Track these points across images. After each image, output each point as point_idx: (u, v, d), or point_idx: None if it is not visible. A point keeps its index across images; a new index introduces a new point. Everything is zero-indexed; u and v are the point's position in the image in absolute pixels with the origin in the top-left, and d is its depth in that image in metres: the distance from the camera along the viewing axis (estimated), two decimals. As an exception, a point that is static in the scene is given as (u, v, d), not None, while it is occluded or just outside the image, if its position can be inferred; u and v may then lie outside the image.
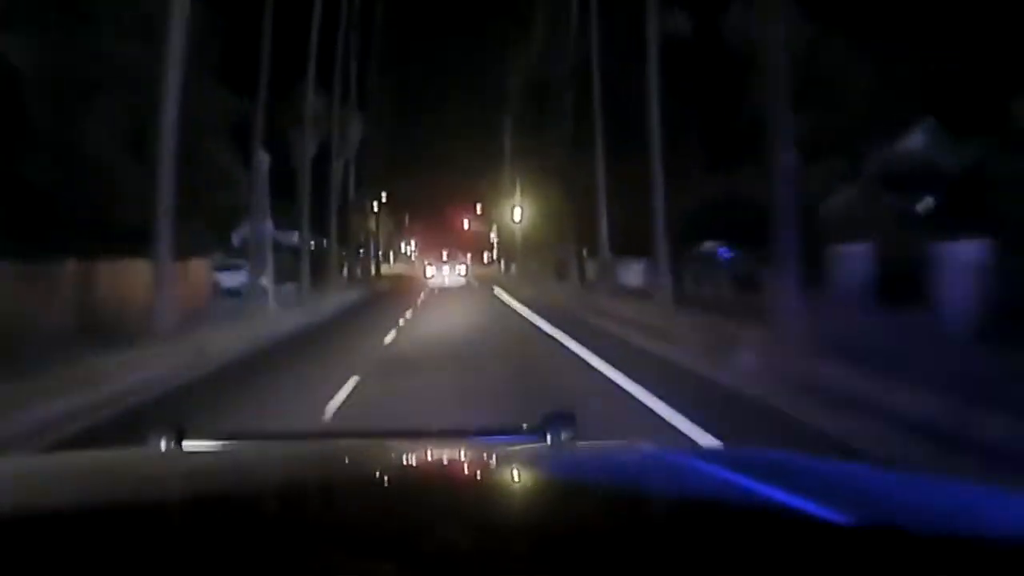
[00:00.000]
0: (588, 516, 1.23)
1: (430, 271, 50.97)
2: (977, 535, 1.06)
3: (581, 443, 1.85)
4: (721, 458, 1.78)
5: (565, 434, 1.79)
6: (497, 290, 40.23)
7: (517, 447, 1.81)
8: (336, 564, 0.96)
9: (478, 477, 1.62)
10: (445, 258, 57.08)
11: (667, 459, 1.77)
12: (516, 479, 1.57)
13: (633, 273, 32.25)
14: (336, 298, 32.01)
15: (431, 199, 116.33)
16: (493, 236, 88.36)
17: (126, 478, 1.55)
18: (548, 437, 1.79)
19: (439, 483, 1.56)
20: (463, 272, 51.55)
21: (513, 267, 63.33)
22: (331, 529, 1.15)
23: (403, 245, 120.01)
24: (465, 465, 1.73)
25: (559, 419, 1.82)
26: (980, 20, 20.26)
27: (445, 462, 1.77)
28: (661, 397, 9.41)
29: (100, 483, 1.48)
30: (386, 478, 1.58)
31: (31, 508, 1.25)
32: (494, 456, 1.74)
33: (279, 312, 23.27)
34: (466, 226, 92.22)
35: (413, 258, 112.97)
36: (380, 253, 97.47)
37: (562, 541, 1.06)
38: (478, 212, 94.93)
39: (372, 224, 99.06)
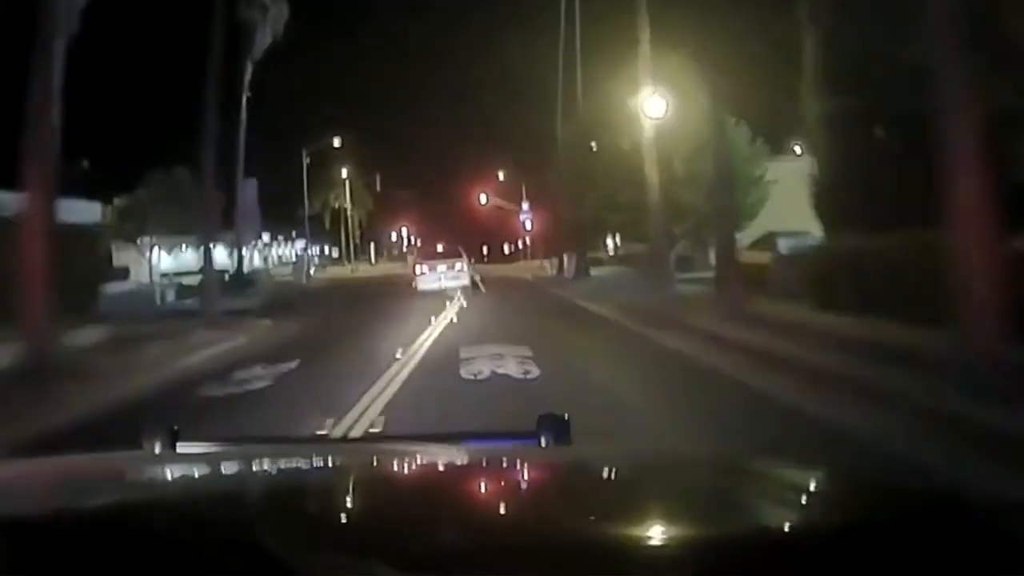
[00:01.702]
0: (580, 519, 1.28)
1: (420, 270, 30.09)
2: (967, 539, 1.09)
3: (574, 446, 1.88)
4: (713, 461, 1.80)
5: (558, 438, 1.82)
6: None
7: (511, 450, 1.89)
8: (329, 565, 1.00)
9: (472, 480, 1.65)
10: (440, 251, 32.21)
11: (659, 462, 1.82)
12: (509, 482, 1.62)
13: None
14: None
15: (431, 162, 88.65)
16: (524, 215, 62.25)
17: (120, 480, 1.60)
18: (542, 440, 1.82)
19: (432, 486, 1.59)
20: (461, 271, 29.78)
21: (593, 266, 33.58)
22: (324, 531, 1.18)
23: (395, 235, 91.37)
24: (459, 468, 1.73)
25: (552, 423, 1.85)
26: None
27: (439, 465, 1.77)
28: None
29: (94, 486, 1.51)
30: (379, 481, 1.63)
31: (26, 511, 1.26)
32: (488, 459, 1.79)
33: None
34: (483, 201, 65.59)
35: (407, 251, 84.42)
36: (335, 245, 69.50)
37: (554, 543, 1.10)
38: (501, 178, 67.70)
39: (339, 196, 74.72)
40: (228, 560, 1.02)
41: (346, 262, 67.14)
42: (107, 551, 1.05)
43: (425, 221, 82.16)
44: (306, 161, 42.47)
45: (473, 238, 70.50)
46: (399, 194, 79.83)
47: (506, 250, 78.22)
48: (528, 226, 63.35)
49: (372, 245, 79.66)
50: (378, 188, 58.11)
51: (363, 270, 63.49)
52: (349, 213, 66.29)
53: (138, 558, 1.03)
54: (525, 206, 63.82)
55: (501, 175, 66.58)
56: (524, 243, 70.46)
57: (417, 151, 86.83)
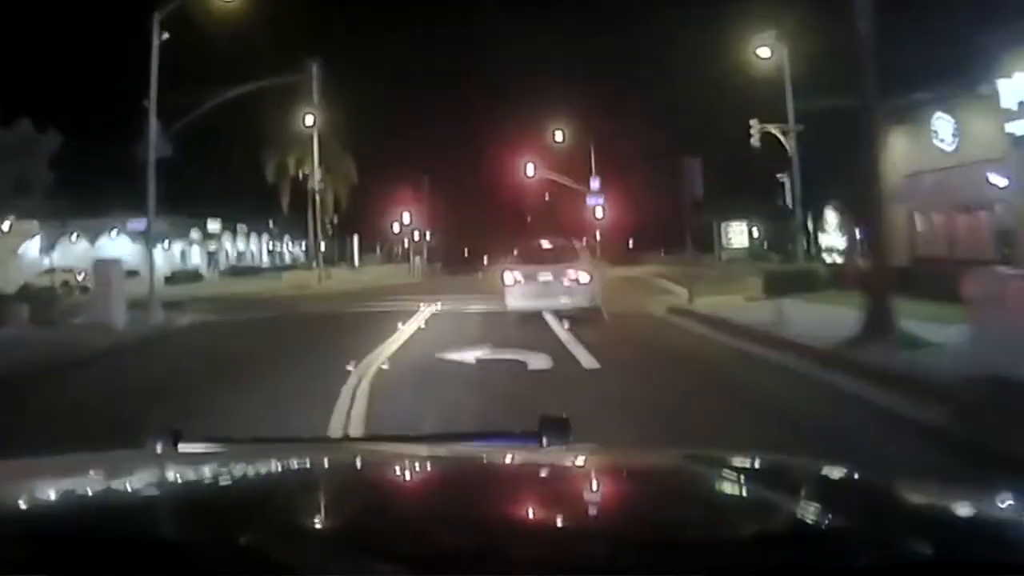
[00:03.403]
0: (581, 517, 1.35)
1: (512, 278, 16.68)
2: (975, 540, 1.14)
3: (575, 446, 1.90)
4: (712, 460, 1.80)
5: (559, 438, 1.83)
6: None
7: (513, 450, 1.90)
8: (330, 565, 1.02)
9: (473, 479, 1.68)
10: (546, 248, 17.31)
11: (659, 462, 1.88)
12: (510, 481, 1.68)
13: None
14: None
15: (450, 115, 64.10)
16: (593, 198, 40.41)
17: (122, 480, 1.65)
18: (543, 440, 1.83)
19: (434, 486, 1.64)
20: (576, 283, 16.21)
21: None
22: (326, 531, 1.23)
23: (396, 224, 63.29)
24: (460, 468, 1.77)
25: (554, 423, 1.86)
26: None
27: (440, 465, 1.80)
28: None
29: (97, 485, 1.59)
30: (380, 481, 1.66)
31: (28, 510, 1.34)
32: (490, 459, 1.85)
33: None
34: (530, 173, 43.35)
35: (410, 248, 60.38)
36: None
37: (556, 542, 1.15)
38: (558, 140, 44.55)
39: (304, 161, 44.10)
40: (229, 560, 1.03)
41: (314, 265, 44.11)
42: (109, 550, 1.07)
43: (440, 205, 59.42)
44: (158, 39, 19.13)
45: (509, 229, 48.65)
46: (401, 161, 56.30)
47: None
48: (599, 214, 41.85)
49: (355, 239, 56.11)
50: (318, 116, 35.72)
51: (338, 279, 40.95)
52: (315, 186, 42.32)
53: (139, 557, 1.05)
54: (594, 184, 42.18)
55: (560, 136, 43.78)
56: (570, 239, 48.80)
57: (429, 97, 63.14)
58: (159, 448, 1.78)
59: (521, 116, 48.78)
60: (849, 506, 1.30)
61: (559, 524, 1.28)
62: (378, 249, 62.67)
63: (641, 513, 1.36)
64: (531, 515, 1.36)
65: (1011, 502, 1.33)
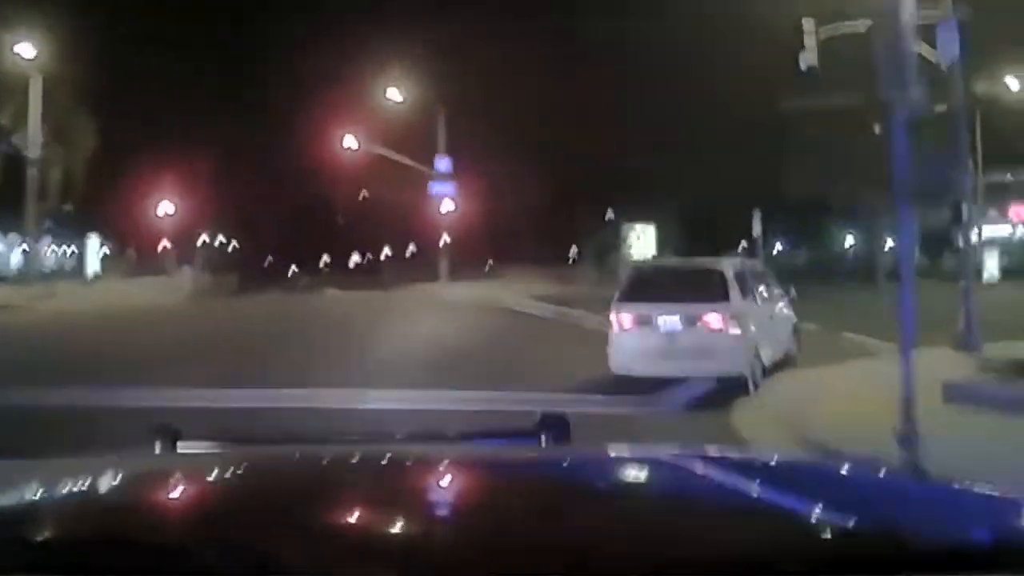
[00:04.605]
0: (580, 518, 1.32)
1: (624, 322, 11.07)
2: (969, 537, 1.16)
3: (574, 445, 1.99)
4: (713, 460, 1.82)
5: (558, 437, 1.88)
6: None
7: (511, 450, 1.94)
8: (330, 565, 1.05)
9: (472, 479, 1.68)
10: (679, 272, 12.49)
11: (659, 461, 1.86)
12: (510, 481, 1.65)
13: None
14: None
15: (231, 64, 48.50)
16: (439, 184, 29.87)
17: (121, 480, 1.62)
18: (542, 440, 1.87)
19: (433, 486, 1.62)
20: (720, 331, 10.46)
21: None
22: (324, 531, 1.22)
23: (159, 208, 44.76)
24: (460, 467, 1.76)
25: (552, 422, 1.91)
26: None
27: (440, 465, 1.79)
28: None
29: (94, 486, 1.55)
30: (379, 481, 1.65)
31: (28, 510, 1.34)
32: (488, 459, 1.86)
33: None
34: (352, 146, 32.10)
35: (173, 253, 45.43)
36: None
37: (556, 542, 1.15)
38: (396, 99, 33.28)
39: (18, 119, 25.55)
40: (229, 560, 1.05)
41: (35, 276, 30.57)
42: (107, 551, 1.09)
43: (233, 196, 45.94)
44: None
45: (325, 230, 37.63)
46: (174, 133, 41.92)
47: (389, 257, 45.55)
48: (446, 208, 31.44)
49: (94, 239, 41.49)
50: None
51: (67, 299, 28.11)
52: (28, 149, 29.03)
53: (138, 558, 1.07)
54: (442, 164, 31.79)
55: (395, 95, 32.87)
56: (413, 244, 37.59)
57: (213, 42, 47.95)
58: (158, 448, 1.81)
59: (350, 68, 37.39)
60: (852, 503, 1.31)
61: (559, 524, 1.28)
62: (132, 252, 48.09)
63: (642, 513, 1.37)
64: (531, 515, 1.35)
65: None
